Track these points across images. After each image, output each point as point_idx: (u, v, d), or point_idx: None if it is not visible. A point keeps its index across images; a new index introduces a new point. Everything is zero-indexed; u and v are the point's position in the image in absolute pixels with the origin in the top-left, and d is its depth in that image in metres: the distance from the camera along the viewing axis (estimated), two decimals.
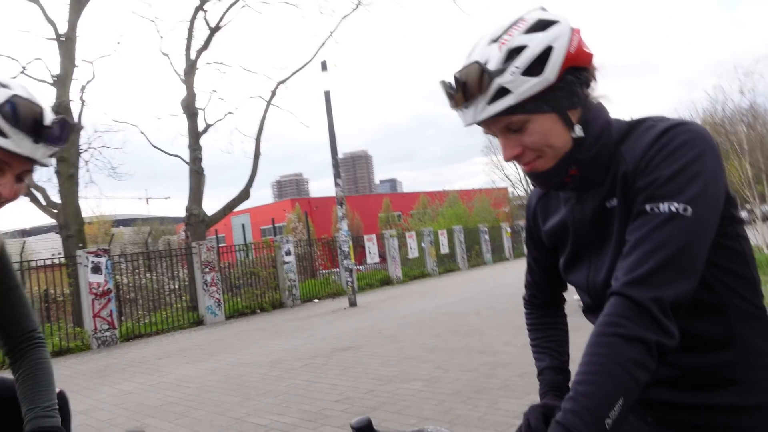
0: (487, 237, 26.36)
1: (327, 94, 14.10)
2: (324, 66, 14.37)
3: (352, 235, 18.59)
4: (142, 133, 17.87)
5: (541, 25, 1.03)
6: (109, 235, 27.11)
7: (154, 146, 17.81)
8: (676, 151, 0.98)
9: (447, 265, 23.35)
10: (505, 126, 1.06)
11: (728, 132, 14.01)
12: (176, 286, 14.32)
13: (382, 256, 20.70)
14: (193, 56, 16.45)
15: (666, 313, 0.92)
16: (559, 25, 1.03)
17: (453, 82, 1.05)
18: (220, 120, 17.99)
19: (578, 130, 1.06)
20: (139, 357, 9.35)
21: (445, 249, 23.14)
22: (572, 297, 1.42)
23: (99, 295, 11.62)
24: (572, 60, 1.02)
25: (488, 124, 1.07)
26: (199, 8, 16.53)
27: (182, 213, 16.34)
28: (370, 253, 19.45)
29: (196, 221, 15.60)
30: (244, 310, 14.70)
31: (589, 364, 0.91)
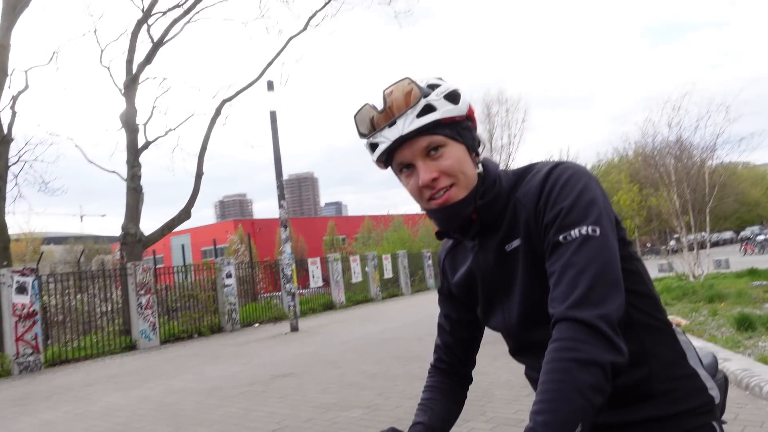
0: (430, 262, 26.58)
1: (273, 114, 14.00)
2: (270, 86, 14.29)
3: (296, 258, 18.37)
4: (77, 147, 17.14)
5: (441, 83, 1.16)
6: (38, 254, 25.73)
7: (90, 161, 17.18)
8: (567, 184, 1.08)
9: (390, 289, 23.36)
10: (427, 146, 1.11)
11: (658, 164, 14.74)
12: (109, 309, 13.69)
13: (326, 280, 20.52)
14: (134, 70, 16.03)
15: (614, 329, 0.95)
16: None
17: (382, 99, 1.12)
18: (161, 136, 17.50)
19: (480, 168, 1.17)
20: (65, 383, 8.83)
21: (389, 273, 23.15)
22: None
23: (23, 317, 10.97)
24: (471, 114, 1.16)
25: (410, 146, 1.11)
26: (143, 22, 16.17)
27: (118, 232, 15.72)
28: (313, 276, 19.24)
29: (133, 241, 15.04)
30: (180, 334, 14.20)
31: (546, 392, 0.92)
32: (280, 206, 13.90)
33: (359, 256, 22.49)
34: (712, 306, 9.01)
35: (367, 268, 21.96)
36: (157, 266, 17.37)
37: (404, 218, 36.79)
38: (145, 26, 16.25)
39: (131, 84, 15.92)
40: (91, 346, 12.34)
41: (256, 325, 16.19)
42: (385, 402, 5.47)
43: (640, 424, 1.08)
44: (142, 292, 13.39)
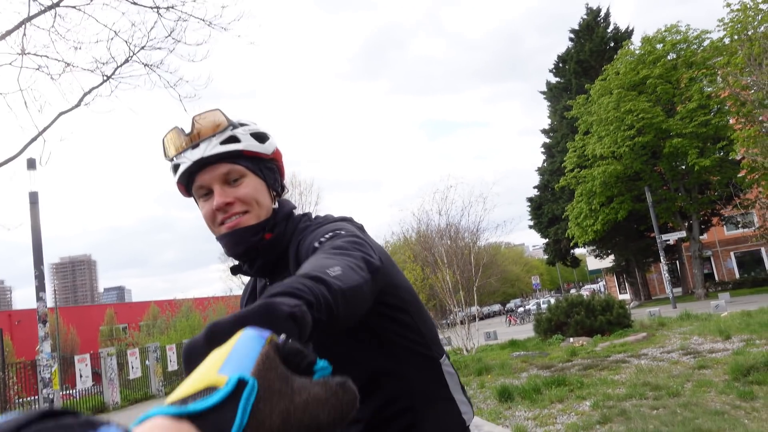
0: None
1: (33, 196, 12.43)
2: (31, 164, 12.76)
3: (63, 355, 16.05)
4: None
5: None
6: None
7: None
8: (322, 227, 1.19)
9: (176, 383, 21.49)
10: (227, 172, 1.20)
11: (433, 246, 16.14)
12: None
13: (100, 375, 18.18)
14: None
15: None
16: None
17: (191, 123, 1.19)
18: None
19: (276, 204, 1.28)
20: None
21: (173, 366, 21.36)
22: None
23: None
24: (277, 156, 1.29)
25: (210, 171, 1.19)
26: None
27: None
28: (81, 376, 16.94)
29: None
30: None
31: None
32: (39, 299, 12.13)
33: (138, 348, 20.48)
34: (480, 378, 9.78)
35: (147, 362, 20.02)
36: None
37: (194, 302, 34.76)
38: None
39: None
40: None
41: None
42: None
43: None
44: None
